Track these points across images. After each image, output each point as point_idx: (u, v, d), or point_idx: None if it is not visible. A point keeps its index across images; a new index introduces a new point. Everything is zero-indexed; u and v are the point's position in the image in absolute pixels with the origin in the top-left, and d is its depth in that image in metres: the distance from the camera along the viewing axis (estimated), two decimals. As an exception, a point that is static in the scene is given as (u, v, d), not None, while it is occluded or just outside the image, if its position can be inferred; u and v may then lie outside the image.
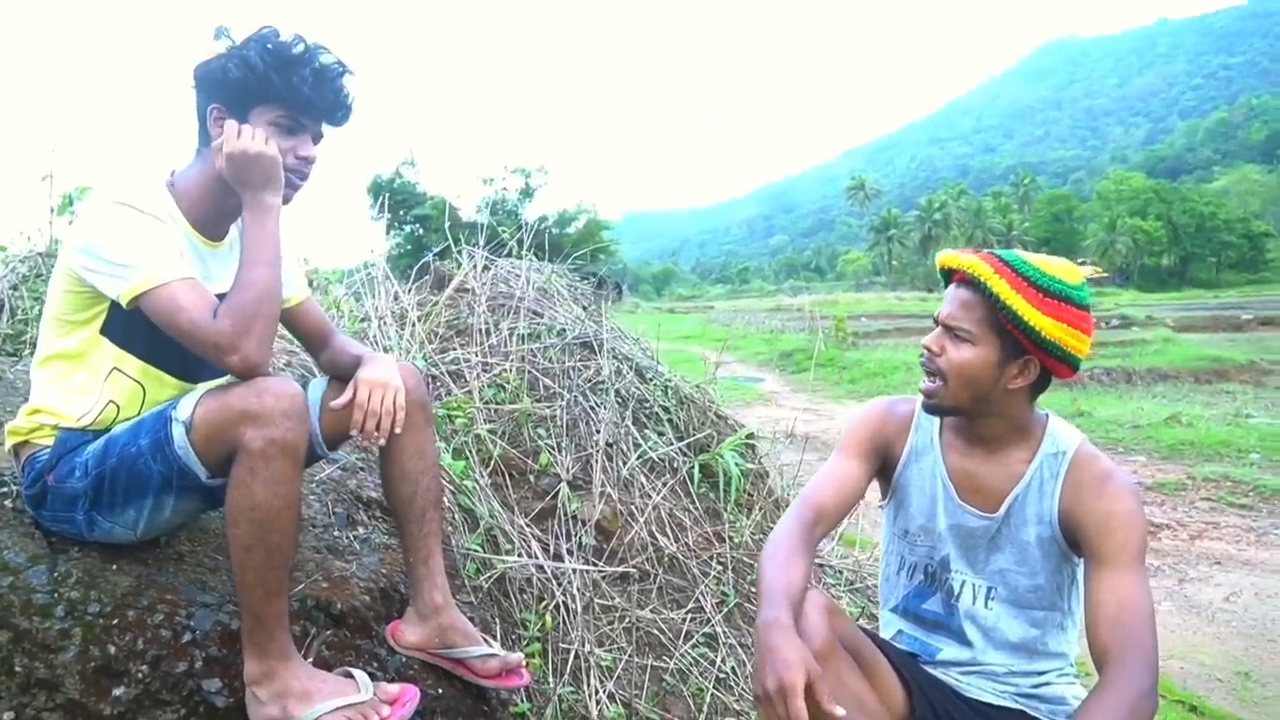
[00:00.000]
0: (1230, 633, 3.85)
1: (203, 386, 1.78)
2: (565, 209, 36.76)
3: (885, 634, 1.75)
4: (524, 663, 1.99)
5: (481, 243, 3.91)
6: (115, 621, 1.59)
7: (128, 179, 1.70)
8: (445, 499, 2.58)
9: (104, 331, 1.66)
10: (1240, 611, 4.09)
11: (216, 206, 1.74)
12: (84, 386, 1.67)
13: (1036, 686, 1.61)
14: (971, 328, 1.53)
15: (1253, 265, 75.20)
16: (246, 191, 1.65)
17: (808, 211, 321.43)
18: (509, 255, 4.07)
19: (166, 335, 1.57)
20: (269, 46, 1.64)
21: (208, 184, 1.71)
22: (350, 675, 1.67)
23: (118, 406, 1.69)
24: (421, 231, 34.49)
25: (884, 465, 1.73)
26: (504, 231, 3.92)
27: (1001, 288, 1.50)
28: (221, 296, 1.64)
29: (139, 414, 1.69)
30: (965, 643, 1.65)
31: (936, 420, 1.70)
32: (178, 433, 1.57)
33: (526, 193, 35.91)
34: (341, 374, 1.90)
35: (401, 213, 35.45)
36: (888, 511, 1.79)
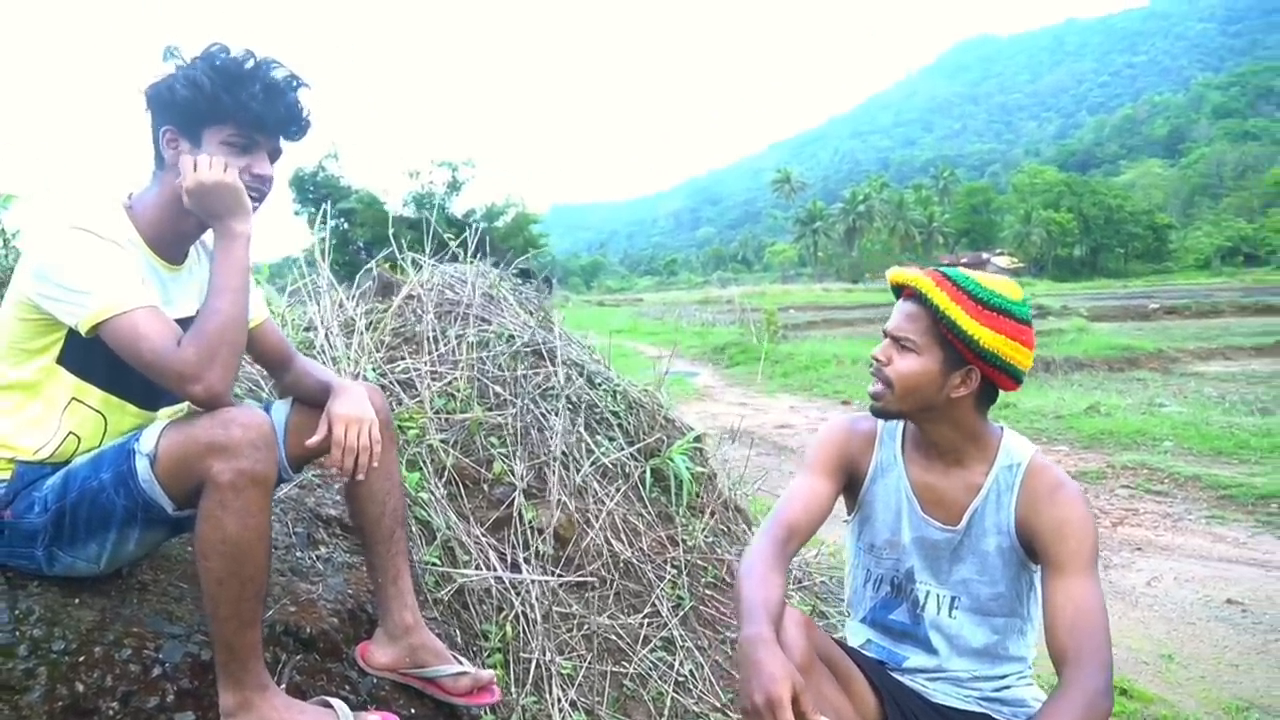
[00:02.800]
0: (1153, 616, 4.05)
1: (164, 414, 1.75)
2: (494, 203, 36.39)
3: (854, 643, 1.81)
4: (494, 679, 2.00)
5: (429, 248, 3.87)
6: (82, 658, 1.55)
7: (84, 201, 1.65)
8: (403, 513, 2.57)
9: (61, 361, 1.61)
10: (1161, 596, 4.30)
11: (174, 229, 1.71)
12: (40, 418, 1.62)
13: (998, 690, 1.69)
14: (916, 338, 1.61)
15: (1157, 255, 78.51)
16: (214, 222, 1.64)
17: (734, 204, 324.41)
18: (450, 258, 4.04)
19: (128, 363, 1.54)
20: (216, 64, 1.61)
21: (165, 206, 1.68)
22: (329, 704, 1.66)
23: (78, 438, 1.64)
24: (347, 226, 33.76)
25: (850, 481, 1.79)
26: (451, 239, 3.88)
27: (941, 299, 1.58)
28: (182, 321, 1.62)
29: (100, 445, 1.65)
30: (931, 650, 1.72)
31: (899, 436, 1.77)
32: (141, 466, 1.54)
33: (454, 186, 35.44)
34: (306, 399, 1.88)
35: (325, 206, 34.59)
36: (853, 526, 1.85)
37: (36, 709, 1.47)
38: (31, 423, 1.62)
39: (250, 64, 1.64)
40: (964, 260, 78.78)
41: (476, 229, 4.13)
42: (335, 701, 1.67)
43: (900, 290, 1.69)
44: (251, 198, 1.71)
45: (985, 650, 1.69)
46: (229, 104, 1.61)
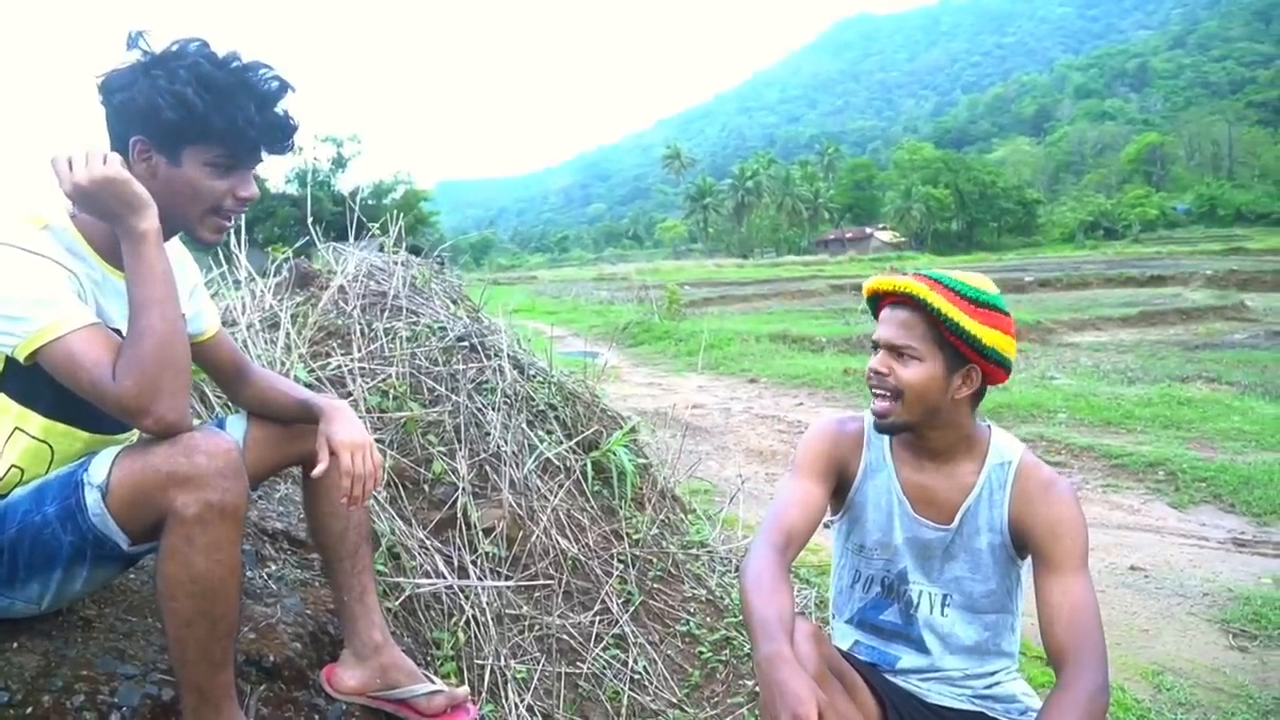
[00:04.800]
0: (1065, 585, 4.23)
1: (121, 437, 1.60)
2: (381, 179, 35.31)
3: (842, 645, 1.81)
4: (469, 696, 1.93)
5: (352, 235, 3.69)
6: (29, 710, 1.41)
7: (19, 211, 1.47)
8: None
9: (6, 387, 1.44)
10: (1071, 564, 4.51)
11: None
12: None
13: (989, 687, 1.72)
14: (916, 345, 1.60)
15: (1027, 230, 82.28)
16: (112, 223, 1.44)
17: (624, 180, 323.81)
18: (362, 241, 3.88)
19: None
20: (204, 76, 1.43)
21: None
22: (308, 741, 1.56)
23: (21, 470, 1.47)
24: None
25: (838, 483, 1.78)
26: (375, 229, 3.72)
27: (940, 302, 1.58)
28: None
29: (46, 474, 1.49)
30: (924, 650, 1.74)
31: (886, 437, 1.76)
32: (92, 499, 1.39)
33: (339, 163, 34.21)
34: (273, 415, 1.75)
35: None
36: (839, 527, 1.84)
37: (-17, 771, 1.33)
38: None
39: (240, 74, 1.47)
40: (849, 235, 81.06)
41: (398, 216, 3.95)
42: (316, 739, 1.57)
43: (879, 300, 1.68)
44: (225, 223, 1.57)
45: (976, 647, 1.71)
46: (221, 126, 1.46)
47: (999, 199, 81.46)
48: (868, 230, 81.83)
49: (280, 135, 1.55)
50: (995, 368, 1.62)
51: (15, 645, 1.50)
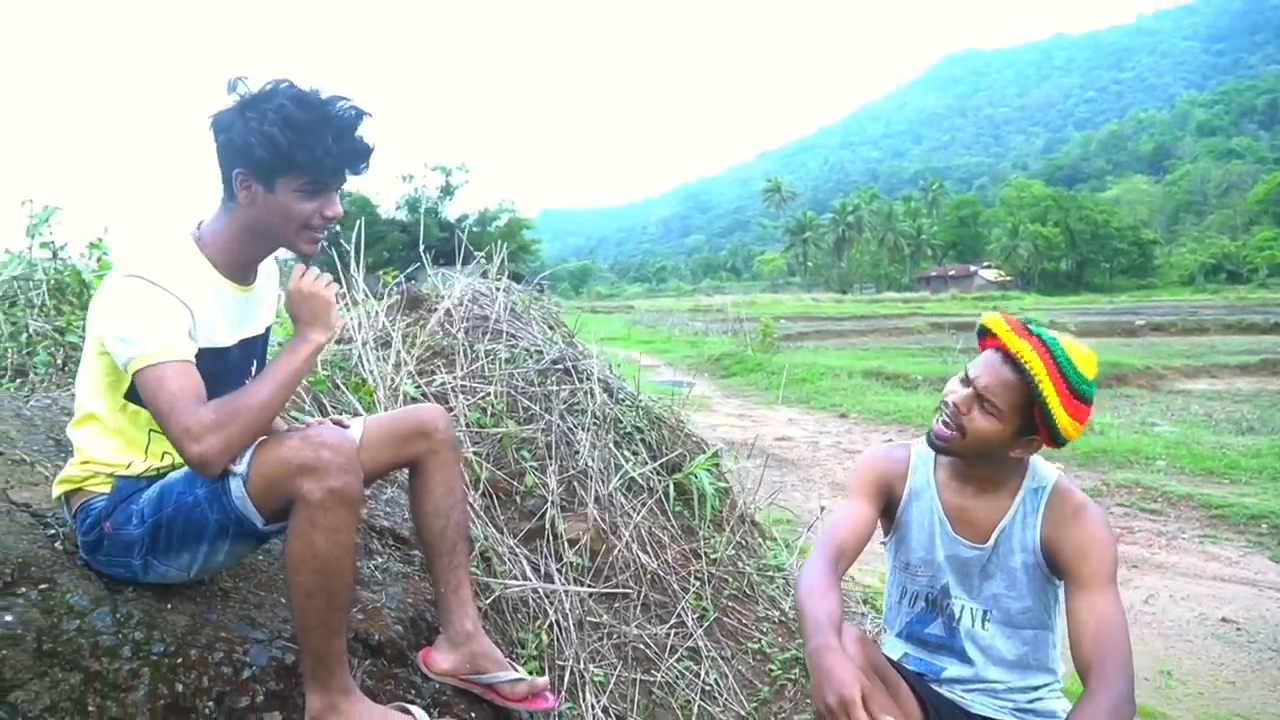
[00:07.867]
0: (1151, 634, 4.18)
1: None
2: (486, 207, 36.52)
3: (892, 656, 1.93)
4: (549, 686, 2.10)
5: (459, 262, 3.98)
6: (180, 660, 1.65)
7: (153, 240, 1.77)
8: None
9: (129, 397, 1.71)
10: (1159, 613, 4.44)
11: (244, 255, 1.81)
12: (129, 442, 1.74)
13: (1031, 701, 1.82)
14: (1003, 406, 1.71)
15: (1141, 271, 78.98)
16: (298, 325, 1.76)
17: (724, 212, 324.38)
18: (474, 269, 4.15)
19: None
20: (288, 117, 1.66)
21: (235, 235, 1.77)
22: (407, 710, 1.76)
23: (172, 456, 1.75)
24: (338, 228, 33.82)
25: (887, 504, 1.93)
26: (481, 257, 3.99)
27: (1049, 390, 1.66)
28: (250, 340, 1.79)
29: None
30: (967, 661, 1.86)
31: (931, 463, 1.91)
32: (235, 484, 1.64)
33: (447, 190, 35.56)
34: None
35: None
36: (889, 547, 1.99)
37: (140, 707, 1.57)
38: (125, 446, 1.74)
39: (320, 109, 1.70)
40: (951, 272, 79.31)
41: (501, 244, 4.23)
42: (415, 709, 1.77)
43: (985, 333, 1.78)
44: (318, 235, 1.81)
45: (1017, 661, 1.82)
46: (304, 159, 1.69)
47: (1112, 239, 78.42)
48: (972, 268, 79.94)
49: (357, 158, 1.78)
50: (1055, 444, 1.73)
51: (169, 607, 1.75)
